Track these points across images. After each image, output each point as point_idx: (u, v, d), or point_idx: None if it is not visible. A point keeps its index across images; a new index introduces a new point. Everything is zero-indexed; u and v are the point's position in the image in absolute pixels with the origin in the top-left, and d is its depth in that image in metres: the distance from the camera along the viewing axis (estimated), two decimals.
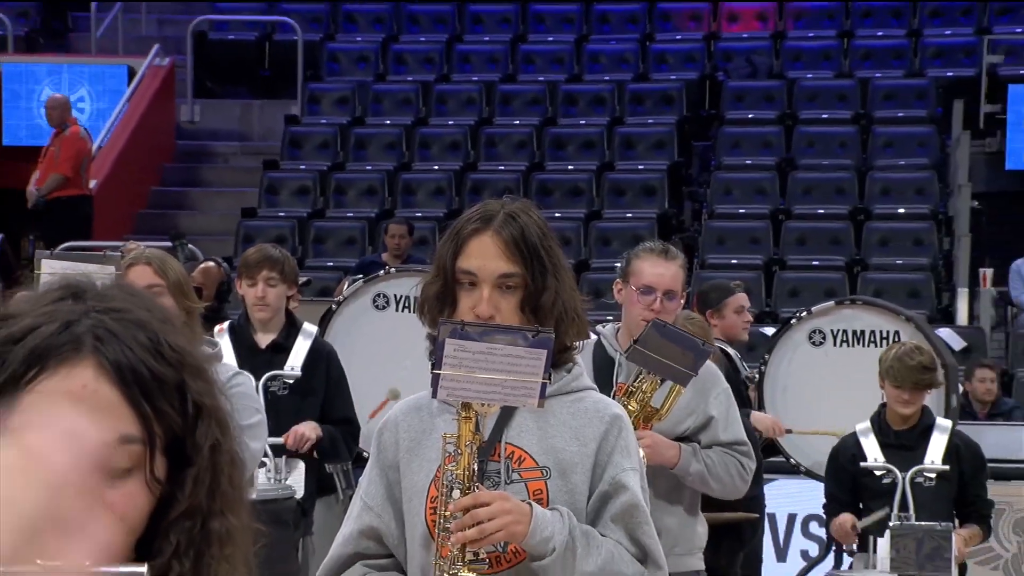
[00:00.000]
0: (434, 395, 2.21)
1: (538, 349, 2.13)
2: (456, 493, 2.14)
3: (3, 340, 0.89)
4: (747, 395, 5.43)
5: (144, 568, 0.84)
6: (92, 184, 10.55)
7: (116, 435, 0.86)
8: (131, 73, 11.81)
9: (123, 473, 0.87)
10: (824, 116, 11.27)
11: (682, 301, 3.93)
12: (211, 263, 8.48)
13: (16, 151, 11.63)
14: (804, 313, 6.25)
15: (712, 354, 3.69)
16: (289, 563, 4.32)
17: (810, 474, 5.64)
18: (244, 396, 3.74)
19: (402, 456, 2.27)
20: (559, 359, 2.23)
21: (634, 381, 3.43)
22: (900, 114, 11.05)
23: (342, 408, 4.79)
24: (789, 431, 5.60)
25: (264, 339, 4.74)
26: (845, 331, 5.98)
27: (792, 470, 5.93)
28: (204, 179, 12.31)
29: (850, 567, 4.75)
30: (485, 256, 2.22)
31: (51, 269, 4.29)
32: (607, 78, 11.78)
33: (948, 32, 11.94)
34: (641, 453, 2.46)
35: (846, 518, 4.58)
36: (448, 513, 2.12)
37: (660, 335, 3.33)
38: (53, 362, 0.87)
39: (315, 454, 4.66)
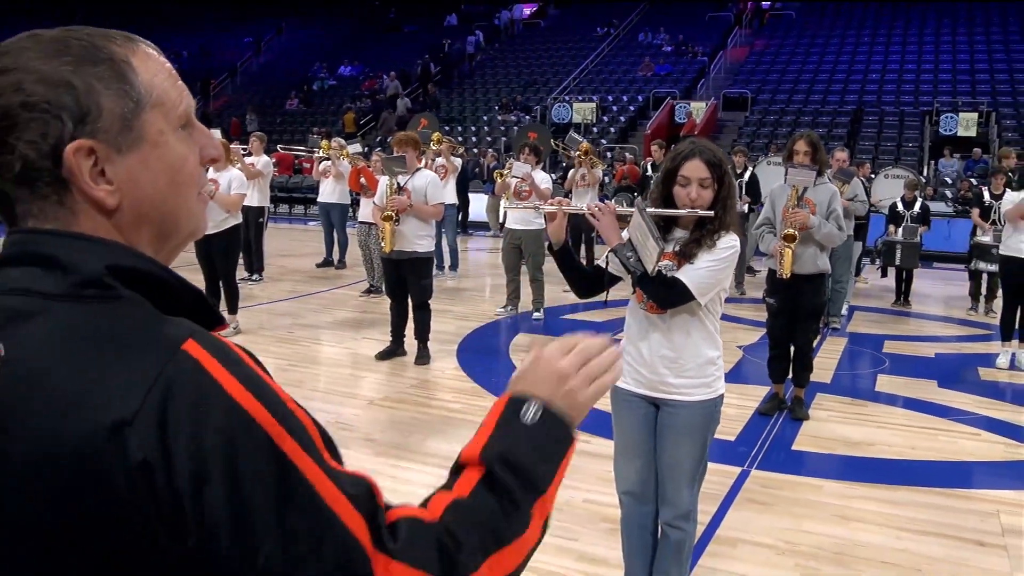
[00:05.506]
0: (784, 182, 5.97)
1: (811, 171, 5.84)
2: (787, 210, 5.96)
3: (675, 157, 3.21)
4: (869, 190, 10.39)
5: (712, 211, 3.16)
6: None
7: (705, 176, 3.13)
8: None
9: (706, 190, 3.16)
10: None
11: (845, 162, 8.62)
12: None
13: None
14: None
15: (853, 176, 8.33)
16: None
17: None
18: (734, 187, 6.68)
19: (776, 198, 6.12)
20: (820, 171, 5.96)
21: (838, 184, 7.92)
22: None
23: (753, 193, 10.42)
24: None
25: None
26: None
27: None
28: None
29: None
30: (797, 145, 6.02)
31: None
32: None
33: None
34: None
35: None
36: (786, 216, 5.95)
37: (841, 173, 7.81)
38: (687, 157, 3.17)
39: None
